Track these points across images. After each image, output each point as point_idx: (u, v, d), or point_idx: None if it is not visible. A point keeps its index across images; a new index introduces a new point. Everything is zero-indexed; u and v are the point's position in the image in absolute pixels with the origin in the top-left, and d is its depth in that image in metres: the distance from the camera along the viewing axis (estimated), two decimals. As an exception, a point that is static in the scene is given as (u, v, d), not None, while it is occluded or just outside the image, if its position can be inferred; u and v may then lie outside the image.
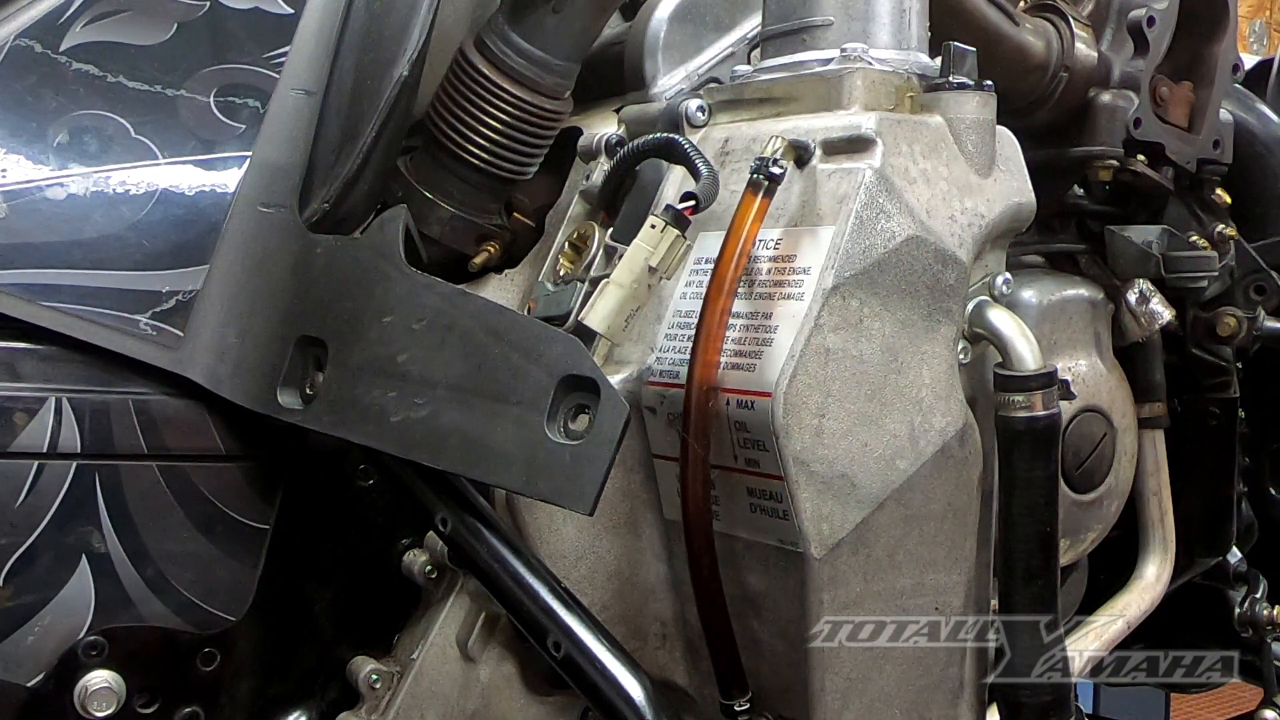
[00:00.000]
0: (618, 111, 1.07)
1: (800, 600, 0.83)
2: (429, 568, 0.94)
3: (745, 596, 0.87)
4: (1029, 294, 1.08)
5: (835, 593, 0.83)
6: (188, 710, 0.89)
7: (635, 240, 0.82)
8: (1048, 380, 0.86)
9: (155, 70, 0.91)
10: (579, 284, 0.97)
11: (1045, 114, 1.15)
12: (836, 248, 0.81)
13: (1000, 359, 0.88)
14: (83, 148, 0.88)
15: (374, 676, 0.92)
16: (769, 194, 0.82)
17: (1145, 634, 1.24)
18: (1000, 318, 0.88)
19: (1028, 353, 0.87)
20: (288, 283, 0.88)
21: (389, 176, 0.97)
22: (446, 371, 0.80)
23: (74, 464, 0.84)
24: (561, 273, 1.00)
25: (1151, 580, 1.23)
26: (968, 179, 0.88)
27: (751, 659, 0.88)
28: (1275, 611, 1.36)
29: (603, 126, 1.06)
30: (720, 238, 0.83)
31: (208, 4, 0.93)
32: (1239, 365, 1.29)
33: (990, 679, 0.93)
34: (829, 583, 0.83)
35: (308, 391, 0.86)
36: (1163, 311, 1.18)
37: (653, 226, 0.82)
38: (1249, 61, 1.33)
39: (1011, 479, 0.88)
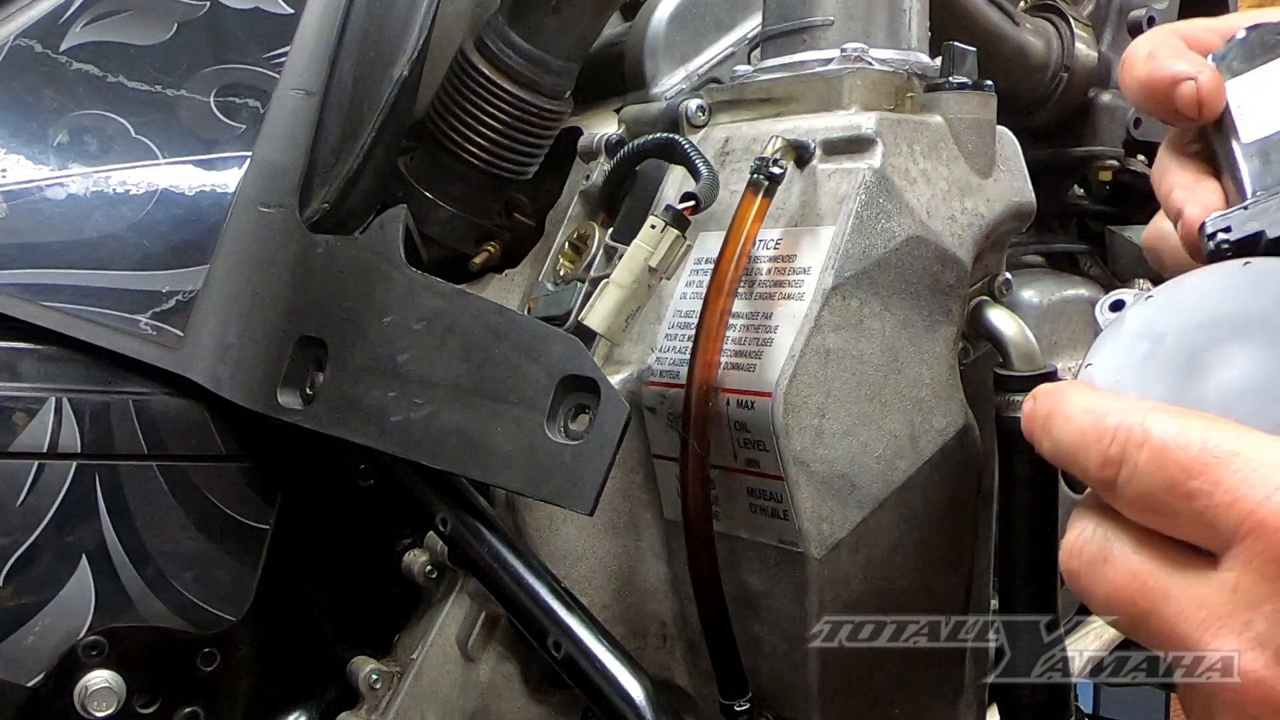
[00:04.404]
0: (618, 111, 1.07)
1: (800, 600, 0.83)
2: (429, 568, 0.94)
3: (745, 596, 0.87)
4: (1029, 294, 1.08)
5: (835, 592, 0.83)
6: (188, 710, 0.89)
7: (635, 240, 0.82)
8: (1048, 380, 0.86)
9: (155, 70, 0.90)
10: (579, 284, 0.97)
11: (1046, 114, 1.15)
12: (836, 248, 0.81)
13: (1000, 359, 0.88)
14: (83, 148, 0.88)
15: (374, 676, 0.92)
16: (769, 194, 0.82)
17: (1145, 634, 1.23)
18: (1000, 318, 0.88)
19: (1028, 353, 0.87)
20: (288, 283, 0.88)
21: (389, 176, 0.97)
22: (446, 371, 0.80)
23: (74, 464, 0.84)
24: (561, 273, 1.00)
25: (1152, 580, 1.23)
26: (968, 179, 0.88)
27: (751, 659, 0.88)
28: (1275, 611, 1.36)
29: (603, 126, 1.06)
30: (720, 238, 0.83)
31: (208, 4, 0.93)
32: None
33: (990, 679, 0.93)
34: (829, 583, 0.83)
35: (308, 391, 0.86)
36: (1163, 312, 1.17)
37: (653, 226, 0.82)
38: (1249, 61, 1.33)
39: (1011, 479, 0.88)
